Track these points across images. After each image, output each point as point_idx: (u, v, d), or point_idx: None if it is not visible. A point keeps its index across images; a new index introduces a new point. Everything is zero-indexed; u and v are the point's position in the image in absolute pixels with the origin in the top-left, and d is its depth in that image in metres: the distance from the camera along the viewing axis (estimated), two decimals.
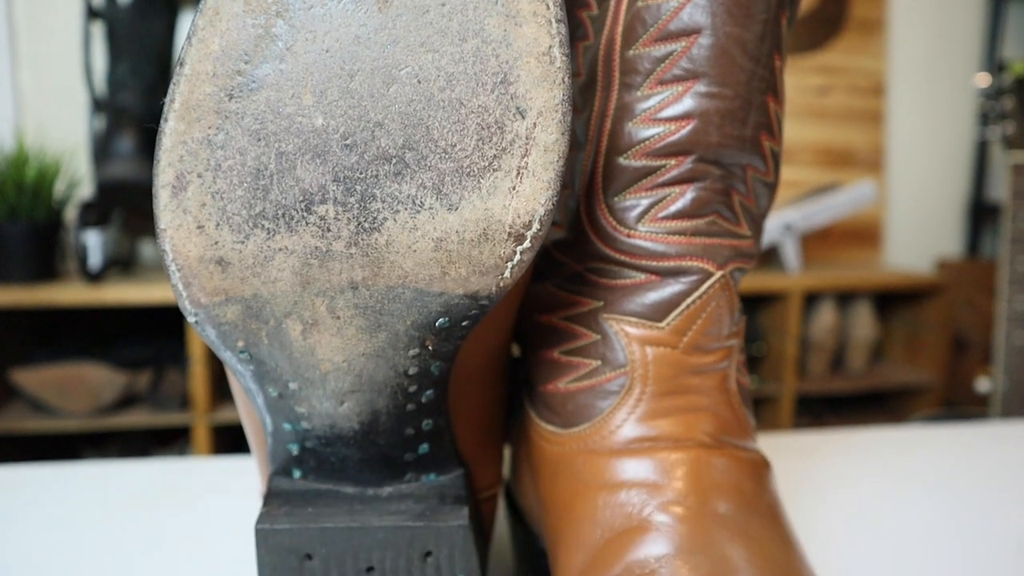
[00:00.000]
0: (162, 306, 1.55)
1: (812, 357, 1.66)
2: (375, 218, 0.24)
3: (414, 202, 0.24)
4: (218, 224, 0.24)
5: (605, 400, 0.30)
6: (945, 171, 2.05)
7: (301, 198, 0.24)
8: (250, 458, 0.59)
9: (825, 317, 1.62)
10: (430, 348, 0.26)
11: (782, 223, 1.56)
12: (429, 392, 0.28)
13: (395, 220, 0.24)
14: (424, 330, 0.26)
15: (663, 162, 0.29)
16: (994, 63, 1.92)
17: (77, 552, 0.45)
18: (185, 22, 1.46)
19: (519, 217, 0.24)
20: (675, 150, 0.29)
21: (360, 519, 0.27)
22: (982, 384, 1.33)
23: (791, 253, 1.58)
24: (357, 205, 0.24)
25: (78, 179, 1.36)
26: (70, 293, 1.26)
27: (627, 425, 0.29)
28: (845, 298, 1.75)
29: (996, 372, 1.31)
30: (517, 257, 0.25)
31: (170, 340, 1.46)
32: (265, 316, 0.25)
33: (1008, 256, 1.33)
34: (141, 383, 1.36)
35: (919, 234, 2.05)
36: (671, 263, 0.29)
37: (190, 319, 0.26)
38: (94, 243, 1.33)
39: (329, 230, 0.24)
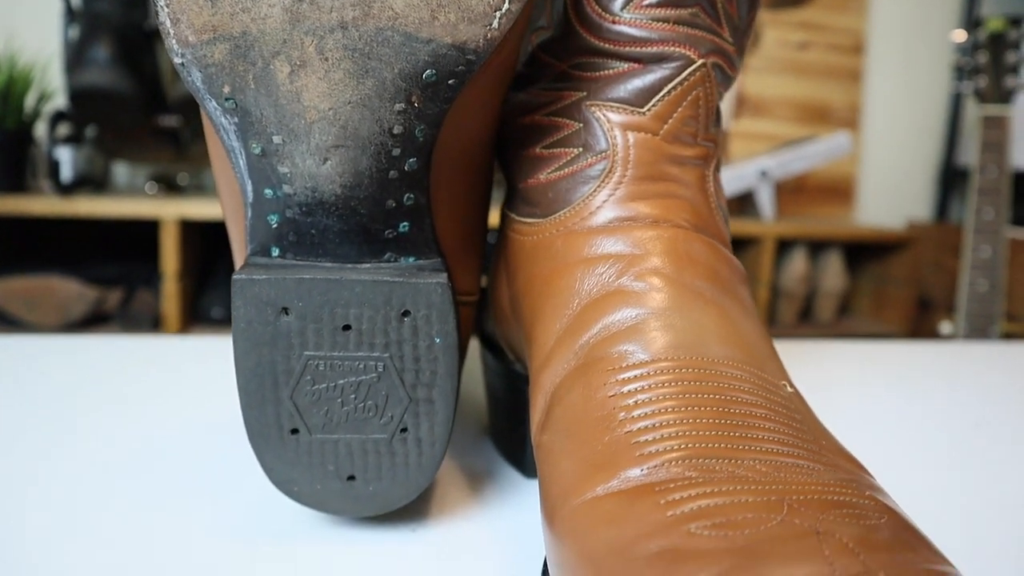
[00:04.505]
0: (135, 221, 1.53)
1: (782, 305, 1.68)
2: None
3: None
4: None
5: (586, 185, 0.30)
6: (920, 132, 2.07)
7: None
8: (221, 338, 0.60)
9: (796, 265, 1.65)
10: (416, 105, 0.26)
11: (757, 170, 1.58)
12: (412, 160, 0.28)
13: None
14: (411, 82, 0.26)
15: None
16: (971, 21, 1.95)
17: (50, 419, 0.45)
18: None
19: None
20: None
21: (339, 274, 0.28)
22: (944, 327, 1.37)
23: (765, 200, 1.60)
24: None
25: (50, 92, 1.34)
26: (41, 204, 1.25)
27: (607, 206, 0.29)
28: (816, 248, 1.78)
29: (958, 317, 1.33)
30: (506, 6, 0.25)
31: (143, 260, 1.45)
32: (253, 57, 0.25)
33: (975, 206, 1.35)
34: (112, 300, 1.34)
35: (890, 194, 2.08)
36: (654, 49, 0.30)
37: (176, 60, 0.26)
38: (66, 158, 1.31)
39: None
